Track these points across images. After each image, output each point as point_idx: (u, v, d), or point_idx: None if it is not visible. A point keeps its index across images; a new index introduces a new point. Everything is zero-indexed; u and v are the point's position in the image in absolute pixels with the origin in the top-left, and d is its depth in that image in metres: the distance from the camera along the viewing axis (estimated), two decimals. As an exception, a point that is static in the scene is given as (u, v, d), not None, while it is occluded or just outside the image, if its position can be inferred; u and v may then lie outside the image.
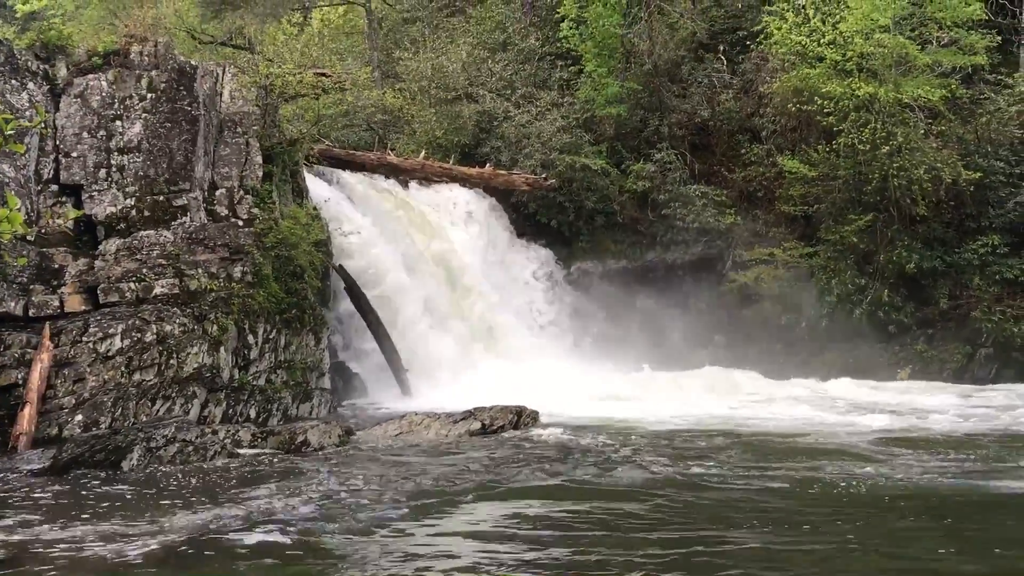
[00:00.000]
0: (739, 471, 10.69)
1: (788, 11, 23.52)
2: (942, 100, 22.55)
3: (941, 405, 17.03)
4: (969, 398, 18.25)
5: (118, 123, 15.51)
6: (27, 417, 12.55)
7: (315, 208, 19.03)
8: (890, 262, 22.57)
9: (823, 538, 7.91)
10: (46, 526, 8.39)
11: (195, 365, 14.32)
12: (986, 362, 21.59)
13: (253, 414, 15.43)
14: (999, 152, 22.83)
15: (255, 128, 17.21)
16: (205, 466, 11.23)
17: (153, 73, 15.89)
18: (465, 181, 24.99)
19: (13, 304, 13.64)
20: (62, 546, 7.75)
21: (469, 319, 21.77)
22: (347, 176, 22.23)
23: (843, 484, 9.92)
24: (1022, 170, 22.57)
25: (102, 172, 15.29)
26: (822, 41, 22.75)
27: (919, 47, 22.53)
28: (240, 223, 16.11)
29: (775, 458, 11.61)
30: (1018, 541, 7.94)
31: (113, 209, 15.20)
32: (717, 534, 8.04)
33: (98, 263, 14.59)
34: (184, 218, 15.51)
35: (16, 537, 8.03)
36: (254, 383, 15.55)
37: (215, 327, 14.72)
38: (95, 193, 15.20)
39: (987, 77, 23.98)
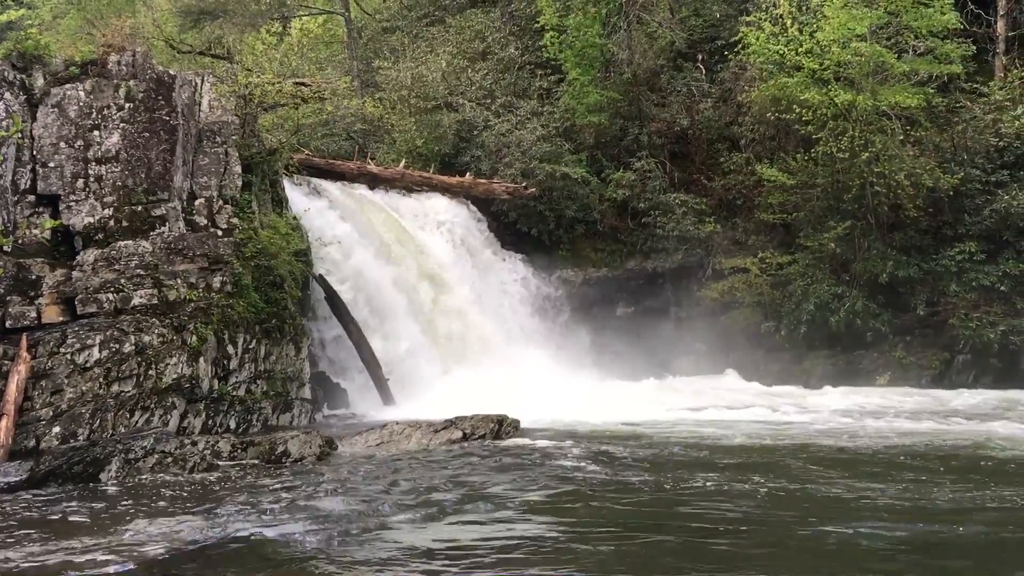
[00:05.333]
0: (722, 483, 10.70)
1: (765, 21, 23.67)
2: (919, 108, 22.73)
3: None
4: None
5: (96, 133, 15.44)
6: (4, 429, 12.44)
7: (295, 218, 19.00)
8: (866, 270, 22.72)
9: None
10: (23, 539, 8.31)
11: (174, 376, 14.24)
12: (964, 368, 21.75)
13: (233, 425, 15.36)
14: (975, 160, 23.01)
15: (234, 138, 17.15)
16: (184, 477, 11.17)
17: (131, 83, 15.82)
18: (445, 190, 24.99)
19: (-11, 315, 13.55)
20: (39, 560, 7.68)
21: (450, 328, 21.73)
22: (327, 185, 22.19)
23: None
24: (998, 178, 22.75)
25: (80, 182, 15.20)
26: (799, 50, 22.88)
27: (895, 55, 22.72)
28: (219, 233, 16.05)
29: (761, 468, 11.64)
30: None
31: (91, 219, 15.11)
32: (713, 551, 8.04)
33: (76, 274, 14.49)
34: (163, 228, 15.43)
35: (-8, 550, 7.96)
36: (234, 393, 15.48)
37: (194, 337, 14.65)
38: (73, 203, 15.11)
39: (963, 86, 24.18)
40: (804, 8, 23.69)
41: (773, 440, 13.84)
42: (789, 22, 23.33)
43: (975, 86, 24.13)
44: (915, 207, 22.39)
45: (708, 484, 10.37)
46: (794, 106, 22.99)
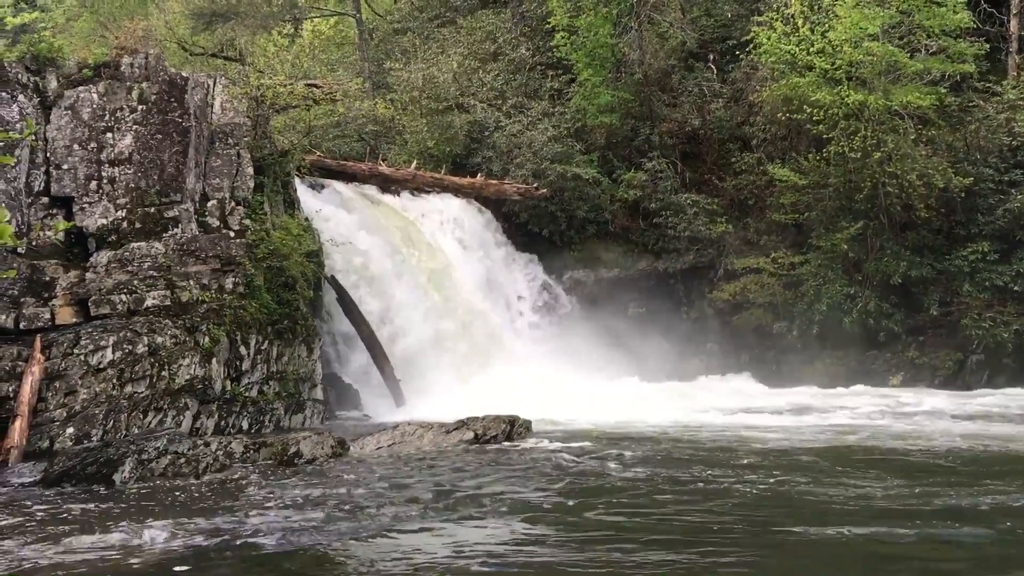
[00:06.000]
0: (743, 484, 10.67)
1: (777, 20, 23.63)
2: (932, 107, 22.65)
3: None
4: None
5: (109, 135, 15.50)
6: (18, 430, 12.49)
7: (307, 219, 19.04)
8: (879, 270, 22.64)
9: None
10: (38, 540, 8.35)
11: (187, 377, 14.29)
12: (977, 368, 21.67)
13: (245, 426, 15.40)
14: (988, 159, 22.93)
15: (246, 139, 17.20)
16: (197, 479, 11.20)
17: (144, 85, 15.88)
18: (457, 191, 25.02)
19: (4, 317, 13.59)
20: (53, 560, 7.71)
21: (461, 328, 21.74)
22: (339, 186, 22.24)
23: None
24: (1011, 177, 22.66)
25: (93, 184, 15.27)
26: (811, 50, 22.85)
27: (908, 55, 22.65)
28: (231, 234, 16.10)
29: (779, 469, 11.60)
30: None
31: (104, 221, 15.17)
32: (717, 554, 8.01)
33: (89, 275, 14.55)
34: (175, 229, 15.49)
35: (7, 551, 7.99)
36: (246, 394, 15.52)
37: (207, 338, 14.69)
38: (86, 205, 15.18)
39: (975, 85, 24.10)
40: (816, 8, 23.65)
41: (789, 442, 13.80)
42: (801, 22, 23.30)
43: (988, 85, 24.03)
44: (927, 207, 22.32)
45: (729, 486, 10.31)
46: (806, 106, 22.93)
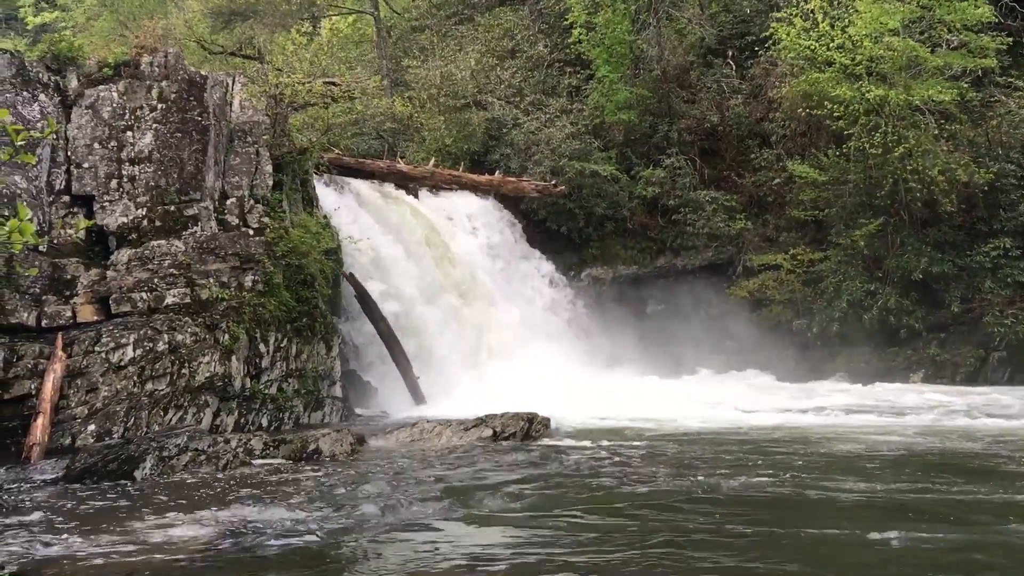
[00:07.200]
0: (762, 486, 10.62)
1: (796, 16, 23.52)
2: (953, 102, 22.49)
3: None
4: None
5: (129, 134, 15.58)
6: (40, 427, 12.58)
7: (325, 216, 19.09)
8: (899, 267, 22.51)
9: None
10: (61, 536, 8.40)
11: (207, 374, 14.35)
12: (999, 365, 21.50)
13: (265, 423, 15.46)
14: (1010, 155, 22.76)
15: (265, 137, 17.26)
16: (217, 475, 11.25)
17: (163, 83, 15.96)
18: (475, 188, 25.02)
19: (26, 315, 13.69)
20: (77, 556, 7.76)
21: (480, 326, 21.75)
22: (357, 184, 22.27)
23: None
24: (1034, 173, 22.49)
25: (113, 182, 15.34)
26: (831, 45, 22.74)
27: (929, 50, 22.50)
28: (251, 232, 16.15)
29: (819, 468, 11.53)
30: None
31: (124, 219, 15.25)
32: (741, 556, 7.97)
33: (110, 273, 14.64)
34: (195, 228, 15.55)
35: (31, 547, 8.05)
36: (266, 392, 15.58)
37: (226, 336, 14.75)
38: (106, 203, 15.25)
39: (997, 80, 23.92)
40: (836, 3, 23.53)
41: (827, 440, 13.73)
42: (820, 17, 23.20)
43: (1010, 80, 23.84)
44: (949, 202, 22.17)
45: (755, 487, 10.25)
46: (825, 102, 22.84)
